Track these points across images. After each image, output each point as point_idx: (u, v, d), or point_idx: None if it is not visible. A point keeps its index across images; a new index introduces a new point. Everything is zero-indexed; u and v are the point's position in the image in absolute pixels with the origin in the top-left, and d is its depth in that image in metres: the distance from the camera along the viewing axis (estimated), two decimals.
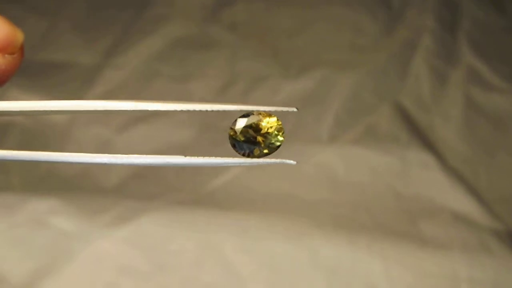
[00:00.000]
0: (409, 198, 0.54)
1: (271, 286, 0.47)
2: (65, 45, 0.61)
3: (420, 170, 0.55)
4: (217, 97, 0.59)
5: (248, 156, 0.21)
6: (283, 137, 0.21)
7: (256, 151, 0.21)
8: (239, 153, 0.21)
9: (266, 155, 0.21)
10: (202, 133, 0.56)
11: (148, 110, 0.20)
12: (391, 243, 0.51)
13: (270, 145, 0.21)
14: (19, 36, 0.19)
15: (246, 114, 0.20)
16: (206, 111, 0.20)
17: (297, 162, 0.20)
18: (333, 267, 0.49)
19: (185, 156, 0.20)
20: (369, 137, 0.57)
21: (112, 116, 0.57)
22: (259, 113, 0.20)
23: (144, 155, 0.20)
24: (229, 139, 0.21)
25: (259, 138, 0.20)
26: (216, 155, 0.55)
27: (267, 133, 0.20)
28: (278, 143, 0.21)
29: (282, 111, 0.20)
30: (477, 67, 0.60)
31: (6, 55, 0.19)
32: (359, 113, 0.58)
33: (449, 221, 0.52)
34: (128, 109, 0.20)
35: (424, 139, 0.57)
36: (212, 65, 0.60)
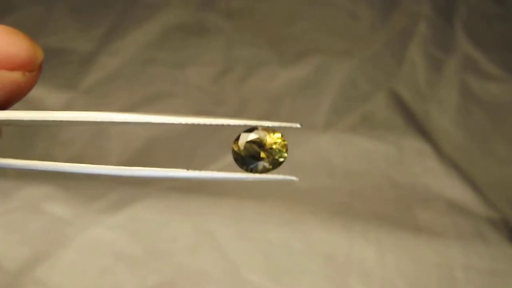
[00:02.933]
0: (405, 185, 0.54)
1: (265, 273, 0.47)
2: (61, 31, 0.61)
3: (415, 158, 0.55)
4: (213, 83, 0.59)
5: (251, 171, 0.20)
6: (287, 153, 0.20)
7: (260, 167, 0.20)
8: (242, 168, 0.20)
9: (269, 170, 0.20)
10: None
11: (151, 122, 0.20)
12: (387, 230, 0.51)
13: (274, 161, 0.20)
14: (39, 53, 0.19)
15: (250, 129, 0.20)
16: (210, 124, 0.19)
17: (298, 179, 0.19)
18: (328, 254, 0.49)
19: (188, 170, 0.19)
20: (365, 125, 0.57)
21: (107, 103, 0.57)
22: (263, 128, 0.20)
23: (147, 168, 0.19)
24: (232, 153, 0.20)
25: (263, 154, 0.20)
26: (212, 142, 0.55)
27: (271, 149, 0.20)
28: (282, 159, 0.20)
29: (285, 127, 0.19)
30: (473, 55, 0.60)
31: (26, 73, 0.19)
32: (355, 100, 0.58)
33: (444, 209, 0.52)
34: (131, 121, 0.20)
35: (419, 127, 0.57)
36: (208, 52, 0.60)
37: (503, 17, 0.62)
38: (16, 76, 0.19)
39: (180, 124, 0.53)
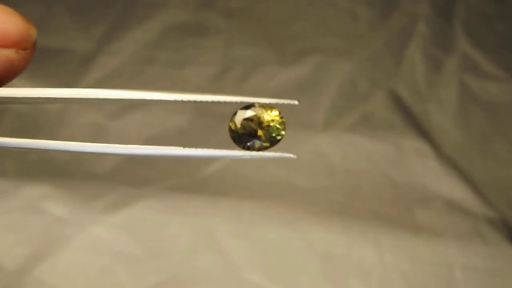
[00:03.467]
0: (404, 185, 0.54)
1: (265, 272, 0.47)
2: (61, 30, 0.61)
3: (415, 157, 0.55)
4: (212, 83, 0.59)
5: (248, 149, 0.20)
6: (285, 131, 0.20)
7: (257, 145, 0.20)
8: (238, 146, 0.20)
9: (266, 148, 0.20)
10: (198, 118, 0.56)
11: (145, 99, 0.19)
12: (386, 230, 0.51)
13: (271, 139, 0.20)
14: (32, 32, 0.19)
15: (246, 106, 0.20)
16: (206, 101, 0.19)
17: (296, 156, 0.19)
18: (327, 254, 0.49)
19: (184, 147, 0.19)
20: (364, 125, 0.57)
21: (106, 103, 0.57)
22: (260, 105, 0.20)
23: (142, 146, 0.19)
24: (229, 131, 0.20)
25: (260, 132, 0.20)
26: (212, 141, 0.55)
27: (269, 126, 0.20)
28: (279, 137, 0.20)
29: (283, 104, 0.19)
30: (472, 55, 0.60)
31: (20, 51, 0.19)
32: (354, 100, 0.58)
33: (443, 209, 0.52)
34: (126, 97, 0.20)
35: (419, 127, 0.57)
36: (208, 52, 0.60)
37: (503, 17, 0.62)
38: (9, 53, 0.19)
39: (181, 120, 0.53)
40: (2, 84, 0.20)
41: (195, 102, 0.19)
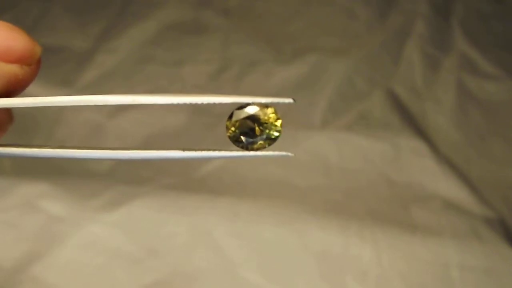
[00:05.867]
0: (401, 184, 0.54)
1: (261, 271, 0.47)
2: (58, 29, 0.61)
3: (412, 156, 0.55)
4: (210, 82, 0.59)
5: (247, 148, 0.20)
6: (282, 128, 0.20)
7: (255, 144, 0.20)
8: (236, 146, 0.20)
9: (264, 147, 0.20)
10: (195, 117, 0.56)
11: (144, 104, 0.20)
12: (383, 229, 0.51)
13: (269, 137, 0.20)
14: (37, 49, 0.20)
15: (242, 106, 0.20)
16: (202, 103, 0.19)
17: (294, 154, 0.20)
18: (324, 253, 0.49)
19: (183, 150, 0.19)
20: (362, 124, 0.57)
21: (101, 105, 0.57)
22: (256, 104, 0.20)
23: (141, 151, 0.20)
24: (226, 131, 0.20)
25: (258, 130, 0.20)
26: (209, 140, 0.55)
27: (266, 124, 0.20)
28: (277, 134, 0.20)
29: (278, 103, 0.19)
30: (469, 54, 0.60)
31: (24, 66, 0.19)
32: (351, 99, 0.58)
33: (440, 208, 0.52)
34: (126, 103, 0.20)
35: (416, 126, 0.57)
36: (205, 50, 0.60)
37: (500, 16, 0.62)
38: (13, 69, 0.19)
39: (178, 119, 0.52)
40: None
41: (190, 104, 0.19)
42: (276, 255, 0.49)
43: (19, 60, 0.19)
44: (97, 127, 0.55)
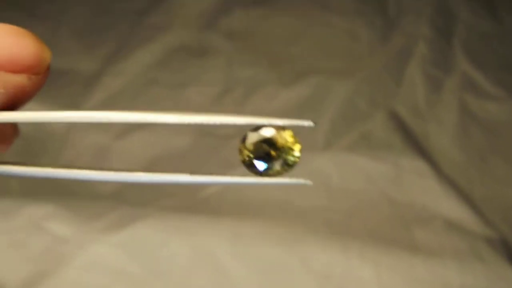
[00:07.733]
0: (403, 205, 0.54)
1: None
2: (65, 51, 0.62)
3: (414, 177, 0.56)
4: (213, 104, 0.59)
5: (261, 175, 0.19)
6: (300, 154, 0.18)
7: (271, 170, 0.18)
8: (250, 171, 0.19)
9: (281, 174, 0.19)
10: (200, 139, 0.57)
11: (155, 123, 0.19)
12: (384, 249, 0.51)
13: (286, 163, 0.18)
14: (46, 54, 0.18)
15: (256, 128, 0.18)
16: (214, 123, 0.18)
17: (312, 182, 0.18)
18: (325, 274, 0.49)
19: (191, 174, 0.18)
20: (364, 144, 0.57)
21: (110, 123, 0.57)
22: (271, 126, 0.18)
23: (149, 173, 0.19)
24: (240, 155, 0.19)
25: (274, 153, 0.18)
26: (214, 162, 0.56)
27: (283, 148, 0.18)
28: (295, 160, 0.18)
29: (297, 125, 0.18)
30: (472, 75, 0.61)
31: (32, 76, 0.17)
32: (354, 120, 0.59)
33: (442, 228, 0.52)
34: (135, 121, 0.19)
35: (418, 147, 0.57)
36: (209, 73, 0.61)
37: (502, 37, 0.62)
38: (20, 80, 0.17)
39: (183, 140, 0.53)
40: (13, 110, 0.18)
41: (202, 124, 0.18)
42: (277, 276, 0.49)
43: (27, 70, 0.17)
44: (104, 148, 0.56)
